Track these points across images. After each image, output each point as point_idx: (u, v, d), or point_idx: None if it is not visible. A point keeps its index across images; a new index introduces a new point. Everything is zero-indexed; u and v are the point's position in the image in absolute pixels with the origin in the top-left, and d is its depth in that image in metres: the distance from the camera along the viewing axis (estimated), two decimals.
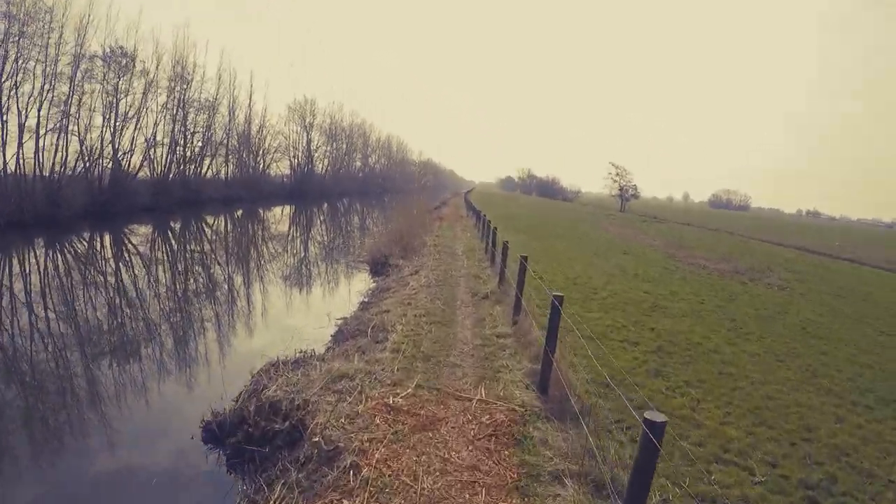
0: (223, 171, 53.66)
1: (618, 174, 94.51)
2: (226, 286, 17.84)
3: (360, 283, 18.21)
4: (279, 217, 47.75)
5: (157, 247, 25.98)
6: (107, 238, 27.26)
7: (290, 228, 39.68)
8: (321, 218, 50.96)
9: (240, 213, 46.71)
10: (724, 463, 6.35)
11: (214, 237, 31.67)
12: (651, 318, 13.17)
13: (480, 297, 13.07)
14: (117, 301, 15.29)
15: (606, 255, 25.55)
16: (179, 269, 20.65)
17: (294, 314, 14.73)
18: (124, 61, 37.49)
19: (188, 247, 26.67)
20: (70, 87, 32.79)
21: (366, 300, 14.52)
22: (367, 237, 27.99)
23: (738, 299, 17.21)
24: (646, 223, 59.68)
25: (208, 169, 50.36)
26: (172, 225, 35.48)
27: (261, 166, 60.81)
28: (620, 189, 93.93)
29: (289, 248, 28.01)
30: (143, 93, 39.27)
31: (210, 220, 39.66)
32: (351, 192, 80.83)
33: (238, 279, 19.34)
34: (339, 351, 8.97)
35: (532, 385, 7.33)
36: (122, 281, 17.73)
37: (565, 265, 20.62)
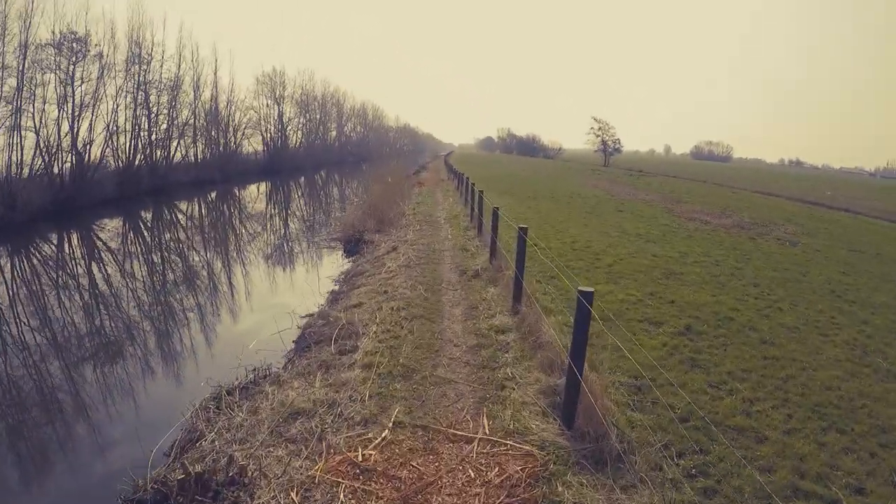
0: (192, 153, 50.84)
1: (600, 128, 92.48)
2: (183, 285, 15.61)
3: (332, 267, 16.15)
4: (254, 196, 45.47)
5: (118, 243, 23.93)
6: (59, 237, 25.04)
7: (262, 208, 37.41)
8: (298, 193, 48.70)
9: (213, 195, 44.30)
10: (806, 498, 4.73)
11: (182, 225, 29.45)
12: (668, 288, 11.50)
13: (470, 276, 11.29)
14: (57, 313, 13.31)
15: (601, 214, 23.85)
16: (133, 266, 18.48)
17: (254, 314, 12.67)
18: (77, 46, 34.58)
19: (150, 239, 24.56)
20: (19, 80, 30.10)
21: (336, 289, 12.54)
22: (340, 212, 26.03)
23: (752, 258, 15.59)
24: (633, 177, 57.97)
25: (177, 152, 47.31)
26: (144, 215, 33.16)
27: (232, 144, 57.97)
28: (604, 143, 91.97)
29: (257, 231, 25.64)
30: (98, 77, 36.25)
31: (182, 205, 37.30)
32: (327, 164, 78.11)
33: (200, 274, 17.14)
34: (298, 368, 7.08)
35: (551, 410, 5.51)
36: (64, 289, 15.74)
37: (559, 228, 18.89)
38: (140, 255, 19.71)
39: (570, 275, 11.37)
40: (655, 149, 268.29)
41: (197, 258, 19.30)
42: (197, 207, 36.81)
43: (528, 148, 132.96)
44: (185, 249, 20.65)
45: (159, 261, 18.92)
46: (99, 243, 22.10)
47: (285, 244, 20.30)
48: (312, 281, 14.11)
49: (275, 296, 14.03)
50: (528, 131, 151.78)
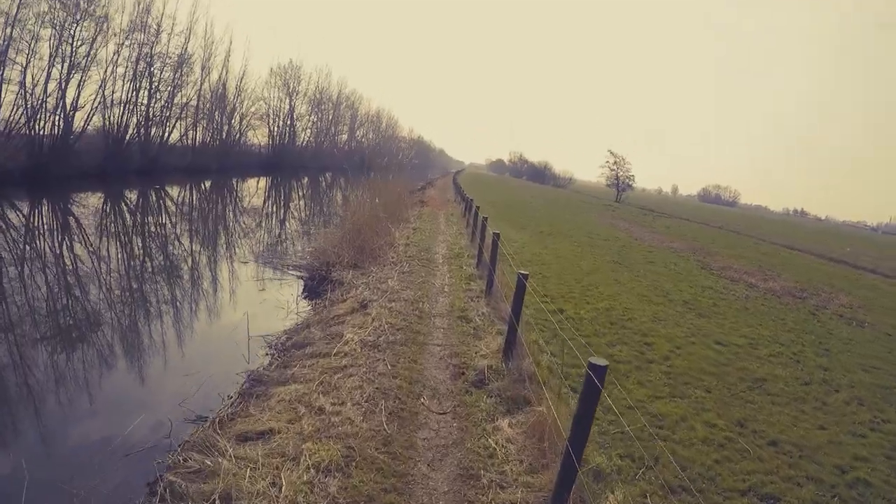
0: (191, 136, 46.66)
1: (615, 163, 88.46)
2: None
3: (276, 318, 10.25)
4: (246, 192, 41.37)
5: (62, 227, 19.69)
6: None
7: (244, 209, 33.24)
8: (294, 195, 44.47)
9: (207, 185, 40.53)
10: None
11: (149, 216, 25.23)
12: (758, 410, 7.54)
13: (470, 383, 6.72)
14: None
15: (631, 264, 19.60)
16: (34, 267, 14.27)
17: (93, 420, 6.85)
18: (83, 3, 30.90)
19: (104, 232, 20.32)
20: (6, 29, 26.50)
21: (247, 387, 6.68)
22: (328, 225, 21.50)
23: (832, 349, 11.76)
24: (649, 217, 53.84)
25: (172, 132, 43.31)
26: (127, 195, 29.61)
27: (236, 133, 53.91)
28: (617, 178, 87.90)
29: (218, 244, 20.39)
30: (94, 38, 32.20)
31: (156, 193, 32.99)
32: (334, 167, 73.87)
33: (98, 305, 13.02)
34: None
35: None
36: None
37: (586, 283, 14.70)
38: (50, 253, 15.43)
39: (615, 376, 7.29)
40: (663, 188, 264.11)
41: (113, 276, 15.06)
42: (177, 197, 32.53)
43: (539, 175, 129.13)
44: (99, 258, 16.39)
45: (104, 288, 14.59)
46: (126, 228, 17.93)
47: (239, 269, 14.80)
48: (236, 344, 8.64)
49: (164, 372, 8.05)
50: (539, 157, 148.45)
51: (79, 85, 31.70)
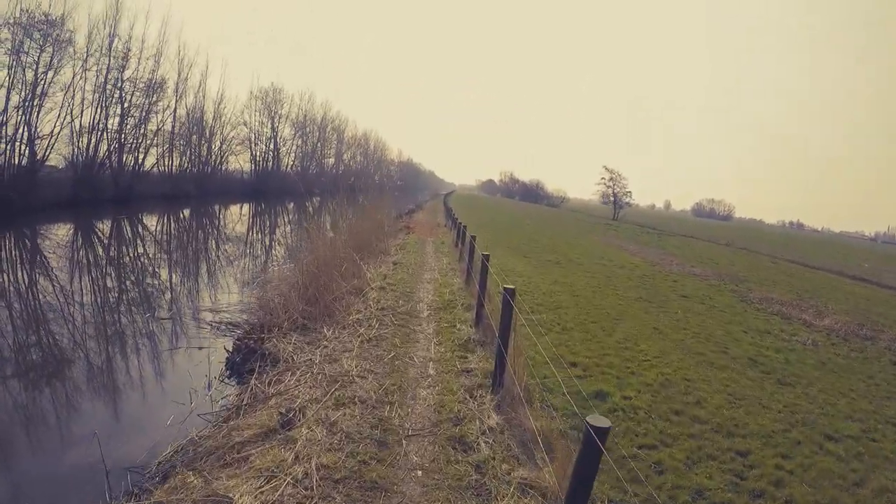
0: (169, 163, 43.56)
1: (611, 179, 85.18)
2: None
3: (148, 436, 6.16)
4: (228, 219, 37.91)
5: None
6: None
7: (218, 237, 29.33)
8: (273, 221, 40.67)
9: (187, 212, 37.28)
10: None
11: (90, 251, 21.34)
12: None
13: None
14: None
15: (664, 303, 15.83)
16: None
17: None
18: (48, 29, 28.34)
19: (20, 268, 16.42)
20: None
21: None
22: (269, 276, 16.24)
23: None
24: (653, 236, 50.24)
25: (151, 159, 41.08)
26: (79, 228, 25.82)
27: (216, 158, 50.47)
28: (614, 195, 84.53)
29: (157, 289, 16.22)
30: (47, 68, 28.88)
31: (142, 220, 30.51)
32: (321, 191, 69.90)
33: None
34: None
35: None
36: None
37: (621, 336, 10.96)
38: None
39: None
40: (655, 203, 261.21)
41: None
42: (142, 228, 28.49)
43: (531, 194, 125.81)
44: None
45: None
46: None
47: (148, 332, 10.43)
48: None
49: None
50: (531, 177, 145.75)
51: (38, 112, 28.55)
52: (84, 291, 14.00)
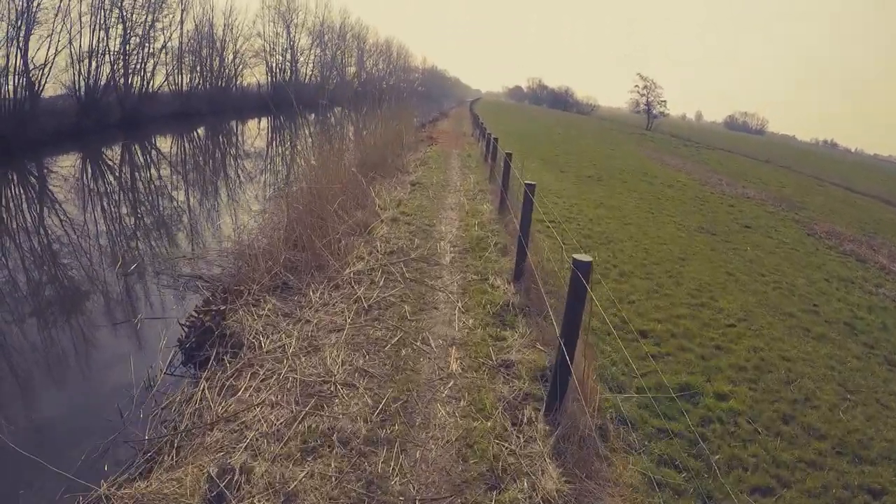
0: (179, 81, 40.23)
1: (646, 87, 79.53)
2: None
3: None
4: (244, 136, 35.57)
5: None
6: None
7: (224, 161, 26.73)
8: (289, 135, 37.68)
9: (201, 131, 34.52)
10: None
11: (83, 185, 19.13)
12: None
13: None
14: None
15: (724, 231, 13.31)
16: None
17: None
18: None
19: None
20: None
21: None
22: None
23: None
24: (691, 148, 46.63)
25: (161, 78, 37.54)
26: (106, 151, 24.21)
27: (228, 73, 46.94)
28: (648, 105, 79.23)
29: (139, 230, 13.53)
30: None
31: (154, 142, 28.16)
32: (343, 101, 65.47)
33: None
34: None
35: None
36: None
37: (692, 287, 8.53)
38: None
39: None
40: (687, 113, 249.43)
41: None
42: (142, 153, 25.95)
43: (560, 101, 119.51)
44: None
45: None
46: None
47: (117, 292, 8.00)
48: None
49: None
50: (559, 83, 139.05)
51: (26, 40, 25.42)
52: (41, 237, 11.58)
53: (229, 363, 5.04)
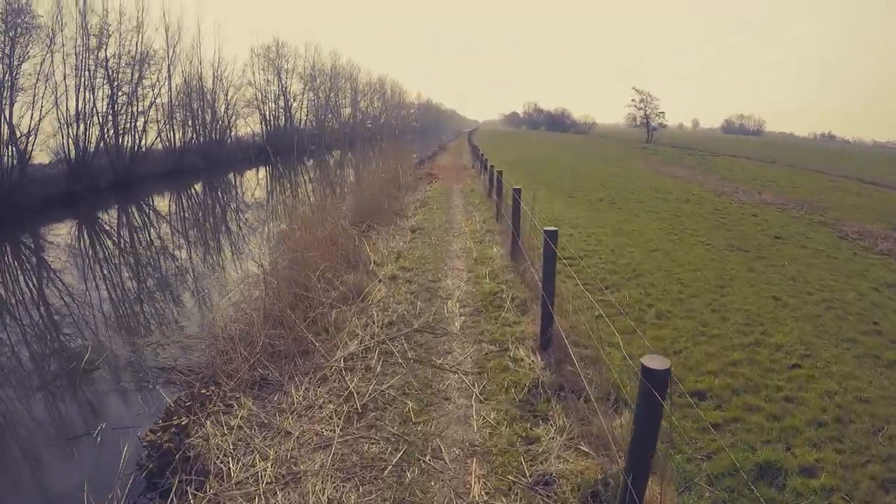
0: (170, 137, 39.72)
1: (642, 101, 78.74)
2: None
3: None
4: (245, 186, 34.36)
5: None
6: None
7: (218, 217, 25.77)
8: (306, 177, 36.67)
9: (196, 188, 33.57)
10: None
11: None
12: None
13: None
14: None
15: (755, 246, 12.01)
16: None
17: None
18: (19, 19, 24.41)
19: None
20: None
21: None
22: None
23: None
24: (696, 157, 45.36)
25: (153, 135, 36.97)
26: (101, 216, 23.43)
27: (223, 124, 46.35)
28: (647, 117, 78.31)
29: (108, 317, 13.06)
30: (21, 59, 25.16)
31: (145, 204, 27.00)
32: (339, 143, 64.99)
33: None
34: None
35: None
36: None
37: (738, 320, 7.39)
38: None
39: None
40: (683, 122, 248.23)
41: None
42: (128, 216, 25.03)
43: (557, 123, 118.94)
44: None
45: None
46: None
47: (74, 398, 6.32)
48: None
49: None
50: (555, 105, 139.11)
51: (10, 108, 24.98)
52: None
53: (193, 497, 3.84)
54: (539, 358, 5.34)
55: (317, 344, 5.70)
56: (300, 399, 4.93)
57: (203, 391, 5.28)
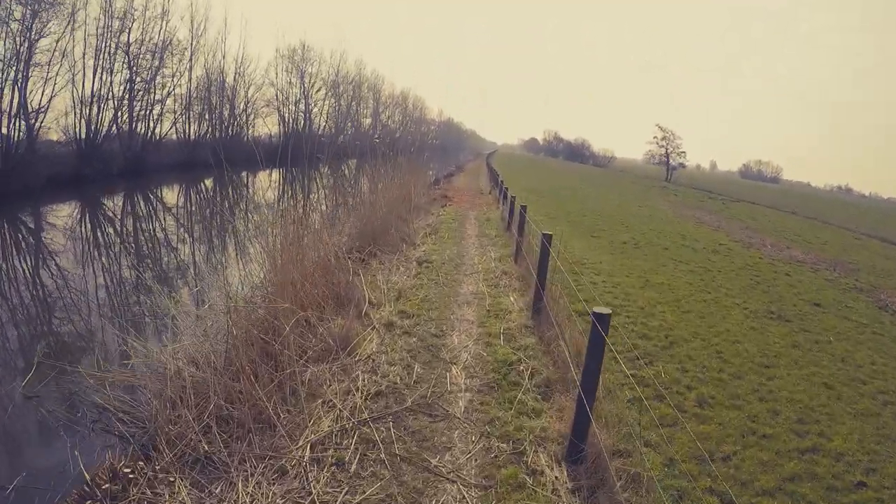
0: (187, 129, 39.44)
1: (664, 138, 77.56)
2: None
3: None
4: (256, 187, 33.09)
5: None
6: None
7: (214, 225, 24.72)
8: (321, 183, 35.56)
9: (206, 183, 32.90)
10: None
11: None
12: None
13: None
14: None
15: (798, 318, 10.60)
16: None
17: None
18: None
19: None
20: None
21: None
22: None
23: None
24: (717, 203, 44.00)
25: (168, 125, 36.83)
26: (105, 201, 23.21)
27: (239, 122, 45.69)
28: (667, 156, 77.03)
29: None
30: (39, 34, 24.45)
31: (150, 195, 26.61)
32: (357, 153, 63.37)
33: None
34: None
35: None
36: None
37: (790, 415, 5.98)
38: None
39: None
40: (700, 163, 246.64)
41: None
42: (130, 206, 24.08)
43: (576, 154, 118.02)
44: None
45: None
46: None
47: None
48: None
49: None
50: (575, 135, 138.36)
51: (25, 83, 24.28)
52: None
53: None
54: (565, 474, 4.02)
55: (281, 415, 4.44)
56: (246, 500, 3.66)
57: (125, 472, 4.02)
